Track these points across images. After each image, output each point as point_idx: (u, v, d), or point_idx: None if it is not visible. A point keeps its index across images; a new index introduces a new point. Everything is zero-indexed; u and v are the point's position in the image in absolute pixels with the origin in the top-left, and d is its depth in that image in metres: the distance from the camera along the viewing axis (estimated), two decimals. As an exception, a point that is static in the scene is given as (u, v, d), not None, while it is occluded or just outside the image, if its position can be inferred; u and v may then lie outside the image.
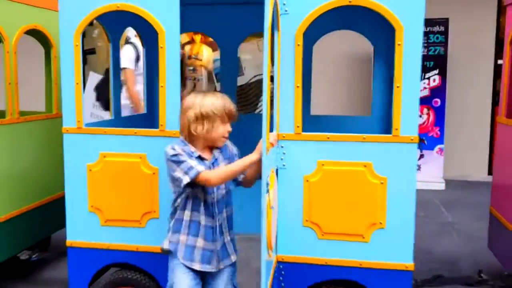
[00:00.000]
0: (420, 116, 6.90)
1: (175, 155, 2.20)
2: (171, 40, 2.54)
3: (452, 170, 7.09)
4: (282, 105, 2.48)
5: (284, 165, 2.51)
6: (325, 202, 2.49)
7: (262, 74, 7.00)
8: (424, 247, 4.46)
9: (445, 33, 6.72)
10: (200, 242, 2.27)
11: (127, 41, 4.86)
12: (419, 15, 2.34)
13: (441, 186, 6.76)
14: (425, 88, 6.83)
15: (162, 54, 2.55)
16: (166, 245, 2.33)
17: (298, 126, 2.49)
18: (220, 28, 3.71)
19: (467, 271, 3.63)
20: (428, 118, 6.90)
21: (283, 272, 2.57)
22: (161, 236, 2.43)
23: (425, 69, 6.80)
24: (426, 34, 6.78)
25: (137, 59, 4.82)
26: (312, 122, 3.80)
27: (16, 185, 3.37)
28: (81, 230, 2.76)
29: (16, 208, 3.37)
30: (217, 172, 2.21)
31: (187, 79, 7.82)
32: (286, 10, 2.43)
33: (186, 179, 2.15)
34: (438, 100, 6.83)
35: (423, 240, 4.68)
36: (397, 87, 2.37)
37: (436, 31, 6.75)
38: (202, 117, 2.19)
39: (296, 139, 2.50)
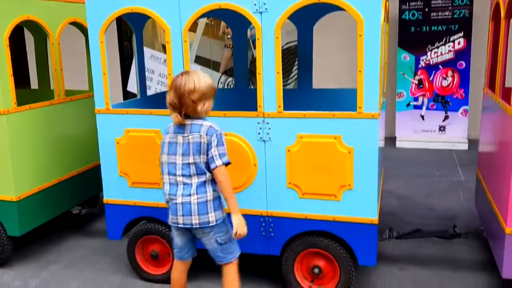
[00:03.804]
0: (445, 78, 7.07)
1: (221, 134, 2.58)
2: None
3: (476, 131, 7.24)
4: (266, 89, 2.98)
5: (270, 138, 3.04)
6: (304, 168, 3.00)
7: (294, 41, 7.33)
8: (428, 204, 4.88)
9: (471, -6, 6.75)
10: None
11: None
12: (377, 10, 2.72)
13: (465, 146, 6.98)
14: (449, 51, 6.95)
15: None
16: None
17: (279, 106, 2.98)
18: None
19: (460, 227, 4.02)
20: (453, 80, 7.05)
21: (272, 225, 3.15)
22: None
23: (450, 32, 6.91)
24: (451, -3, 6.85)
25: None
26: (315, 96, 4.26)
27: (65, 153, 4.12)
28: (114, 190, 3.46)
29: (67, 172, 4.14)
30: (229, 179, 2.57)
31: (226, 47, 8.33)
32: (266, 8, 2.88)
33: (219, 162, 2.54)
34: (463, 62, 6.94)
35: (430, 197, 5.08)
36: (359, 71, 2.79)
37: (461, -7, 6.79)
38: (205, 97, 2.55)
39: (279, 116, 3.00)
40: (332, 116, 2.91)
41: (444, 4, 6.91)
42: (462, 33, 6.86)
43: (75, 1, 4.18)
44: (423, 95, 7.23)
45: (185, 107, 2.53)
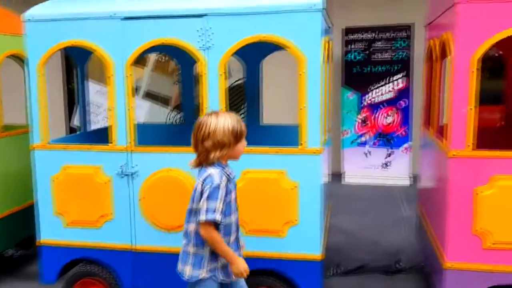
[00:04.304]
0: (387, 117, 7.35)
1: (218, 187, 2.25)
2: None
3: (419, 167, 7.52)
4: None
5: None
6: (249, 204, 2.97)
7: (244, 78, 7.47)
8: (373, 239, 4.94)
9: (410, 38, 7.14)
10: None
11: None
12: (317, 49, 2.81)
13: (408, 182, 7.21)
14: (390, 91, 7.26)
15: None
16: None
17: (224, 141, 2.97)
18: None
19: (403, 262, 4.08)
20: (396, 119, 7.34)
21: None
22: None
23: (391, 72, 7.24)
24: (391, 39, 7.22)
25: None
26: (263, 132, 4.30)
27: None
28: (49, 230, 3.27)
29: None
30: (215, 238, 2.28)
31: (174, 83, 8.33)
32: (211, 45, 2.91)
33: (204, 217, 2.22)
34: (405, 101, 7.26)
35: (375, 232, 5.16)
36: (301, 108, 2.84)
37: (401, 36, 7.17)
38: (220, 145, 2.28)
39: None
40: (276, 152, 2.92)
41: (385, 46, 7.26)
42: (403, 73, 7.21)
43: (15, 33, 4.06)
44: (367, 133, 7.47)
45: (198, 154, 2.33)
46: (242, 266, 2.36)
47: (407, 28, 7.12)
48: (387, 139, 7.41)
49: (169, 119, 8.22)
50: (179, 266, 2.44)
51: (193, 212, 2.36)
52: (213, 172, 2.28)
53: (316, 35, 2.81)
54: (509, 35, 2.59)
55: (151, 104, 8.36)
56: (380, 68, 7.32)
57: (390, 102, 7.31)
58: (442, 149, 2.97)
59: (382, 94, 7.33)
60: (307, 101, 2.84)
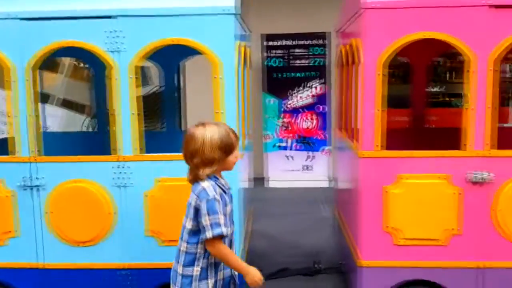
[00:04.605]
0: (307, 121, 7.54)
1: (214, 200, 2.12)
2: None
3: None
4: (124, 131, 2.83)
5: (131, 183, 2.87)
6: (164, 213, 2.87)
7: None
8: (295, 242, 5.01)
9: (326, 45, 7.38)
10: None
11: None
12: (231, 53, 2.79)
13: (328, 184, 7.43)
14: (308, 96, 7.46)
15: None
16: None
17: (140, 148, 2.85)
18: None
19: (324, 262, 4.14)
20: (315, 123, 7.55)
21: (130, 277, 2.93)
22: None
23: (309, 78, 7.44)
24: (308, 46, 7.42)
25: None
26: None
27: None
28: None
29: None
30: (225, 252, 2.15)
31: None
32: (119, 48, 2.78)
33: (211, 234, 2.09)
34: (323, 106, 7.48)
35: (297, 235, 5.23)
36: (216, 112, 2.80)
37: (317, 44, 7.41)
38: (208, 162, 2.15)
39: (137, 159, 2.86)
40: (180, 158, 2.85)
41: (303, 53, 7.46)
42: (321, 79, 7.43)
43: None
44: (289, 137, 7.61)
45: (189, 170, 2.21)
46: (256, 276, 2.20)
47: (323, 36, 7.36)
48: (308, 143, 7.59)
49: (84, 126, 7.84)
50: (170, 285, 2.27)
51: (186, 230, 2.20)
52: (206, 185, 2.15)
53: (229, 39, 2.79)
54: (412, 39, 2.73)
55: (67, 112, 7.94)
56: (299, 74, 7.50)
57: (309, 107, 7.50)
58: (354, 150, 3.07)
59: (301, 99, 7.51)
60: (224, 106, 2.80)
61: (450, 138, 2.91)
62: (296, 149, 7.60)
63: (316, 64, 7.42)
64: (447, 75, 7.81)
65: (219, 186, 2.20)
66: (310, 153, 7.59)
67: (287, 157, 7.62)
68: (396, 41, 2.72)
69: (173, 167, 2.84)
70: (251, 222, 4.08)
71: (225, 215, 2.18)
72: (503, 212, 2.77)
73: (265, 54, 7.48)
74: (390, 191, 2.81)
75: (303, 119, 7.54)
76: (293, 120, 7.56)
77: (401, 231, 2.85)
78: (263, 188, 7.46)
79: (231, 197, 2.31)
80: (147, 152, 2.91)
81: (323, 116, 7.51)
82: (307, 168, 7.61)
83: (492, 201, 2.77)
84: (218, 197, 2.14)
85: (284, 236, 5.17)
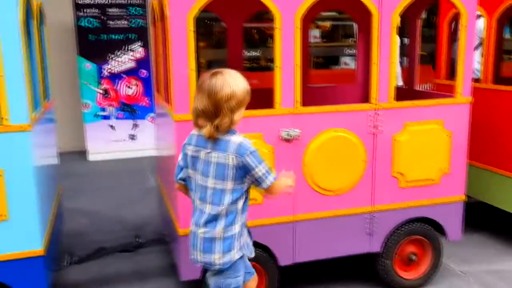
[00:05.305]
0: (129, 87, 7.08)
1: (256, 151, 2.09)
2: None
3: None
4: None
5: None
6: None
7: None
8: (119, 217, 4.68)
9: (145, 5, 6.93)
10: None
11: None
12: (13, 11, 2.29)
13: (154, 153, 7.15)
14: (130, 60, 6.98)
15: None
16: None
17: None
18: None
19: (150, 235, 3.91)
20: (139, 89, 7.13)
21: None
22: None
23: (128, 41, 6.94)
24: (125, 6, 6.88)
25: None
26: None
27: None
28: None
29: None
30: (280, 184, 2.17)
31: None
32: None
33: (270, 179, 2.10)
34: (145, 71, 7.09)
35: (121, 209, 4.90)
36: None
37: (135, 3, 6.91)
38: (241, 104, 2.08)
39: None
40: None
41: (120, 13, 6.89)
42: (141, 42, 6.99)
43: None
44: (110, 105, 7.06)
45: (221, 118, 2.03)
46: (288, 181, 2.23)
47: (141, -6, 6.90)
48: (132, 110, 7.16)
49: None
50: (200, 257, 2.16)
51: (223, 192, 2.09)
52: (239, 140, 2.08)
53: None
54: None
55: None
56: (117, 36, 6.94)
57: (131, 72, 7.03)
58: (169, 114, 2.85)
59: (122, 64, 6.99)
60: (4, 69, 2.30)
61: (269, 99, 2.88)
62: (120, 118, 7.11)
63: (136, 25, 6.95)
64: (269, 40, 8.04)
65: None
66: (135, 121, 7.19)
67: (110, 126, 7.10)
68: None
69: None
70: (60, 202, 3.63)
71: None
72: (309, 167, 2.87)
73: (77, 13, 6.72)
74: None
75: (125, 85, 7.06)
76: (114, 87, 7.02)
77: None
78: (85, 162, 6.86)
79: None
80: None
81: (146, 81, 7.12)
82: (132, 137, 7.20)
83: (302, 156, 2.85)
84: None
85: (107, 212, 4.80)
